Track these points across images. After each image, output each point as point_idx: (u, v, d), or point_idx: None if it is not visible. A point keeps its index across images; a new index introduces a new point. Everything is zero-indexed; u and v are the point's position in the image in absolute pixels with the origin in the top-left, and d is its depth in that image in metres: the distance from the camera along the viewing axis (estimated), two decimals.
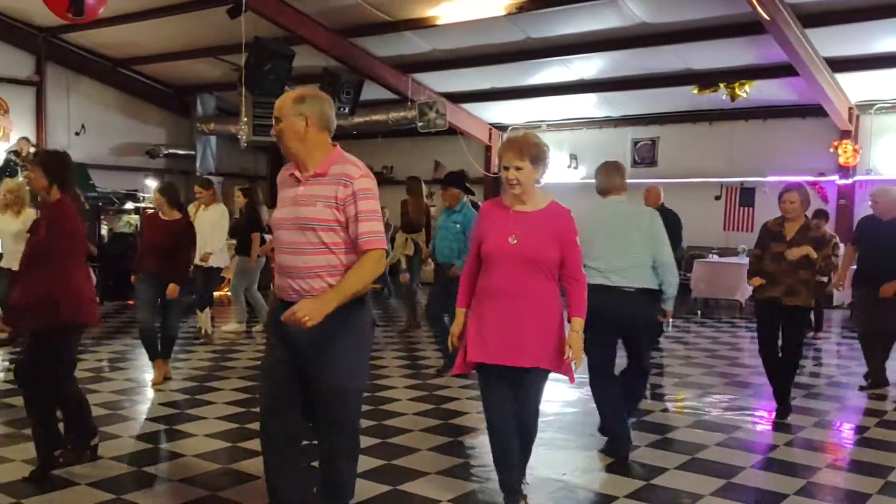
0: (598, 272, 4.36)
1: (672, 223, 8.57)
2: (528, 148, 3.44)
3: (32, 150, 12.30)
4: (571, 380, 3.63)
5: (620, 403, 4.63)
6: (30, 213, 7.50)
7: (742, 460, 4.54)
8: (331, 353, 2.94)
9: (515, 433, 3.57)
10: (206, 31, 12.71)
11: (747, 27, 10.06)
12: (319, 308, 2.78)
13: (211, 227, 8.07)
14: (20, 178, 11.17)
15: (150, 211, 6.70)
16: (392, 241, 9.98)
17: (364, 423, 4.97)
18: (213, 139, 16.12)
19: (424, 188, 9.66)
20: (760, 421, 5.54)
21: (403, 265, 9.53)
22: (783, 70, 10.87)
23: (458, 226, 6.69)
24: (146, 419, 5.35)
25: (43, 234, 4.11)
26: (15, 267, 7.24)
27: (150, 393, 6.06)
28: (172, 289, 6.15)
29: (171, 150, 15.85)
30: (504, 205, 3.56)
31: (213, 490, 3.93)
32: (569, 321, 3.53)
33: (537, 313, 3.45)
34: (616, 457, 4.51)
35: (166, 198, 6.34)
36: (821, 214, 9.28)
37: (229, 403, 5.67)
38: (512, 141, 3.50)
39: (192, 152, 15.89)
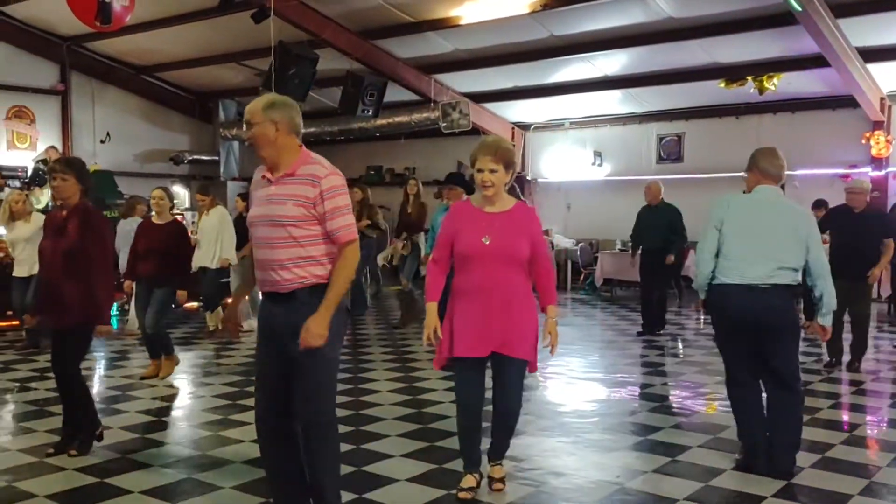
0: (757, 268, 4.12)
1: (675, 219, 8.82)
2: (502, 153, 3.71)
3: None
4: (533, 368, 3.87)
5: (758, 413, 4.30)
6: (38, 217, 7.64)
7: (800, 460, 4.44)
8: (301, 335, 3.11)
9: (479, 413, 3.84)
10: (228, 36, 12.76)
11: (776, 19, 9.94)
12: (318, 324, 3.06)
13: (214, 231, 8.37)
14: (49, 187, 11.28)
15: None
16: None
17: (342, 412, 5.15)
18: (235, 144, 16.17)
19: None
20: (812, 420, 5.43)
21: (395, 262, 9.76)
22: (813, 61, 10.73)
23: None
24: (136, 412, 5.51)
25: (74, 236, 4.30)
26: (25, 274, 7.63)
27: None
28: (181, 295, 6.50)
29: (194, 156, 15.92)
30: (473, 206, 3.81)
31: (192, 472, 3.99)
32: (543, 310, 3.80)
33: (515, 306, 3.71)
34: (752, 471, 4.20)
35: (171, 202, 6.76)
36: (820, 205, 9.83)
37: (218, 396, 5.92)
38: (488, 145, 3.74)
39: (216, 157, 15.96)
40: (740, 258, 4.15)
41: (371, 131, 14.39)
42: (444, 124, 13.18)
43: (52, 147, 12.56)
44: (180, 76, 15.37)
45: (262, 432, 3.29)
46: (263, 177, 3.24)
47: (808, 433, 4.66)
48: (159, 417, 5.49)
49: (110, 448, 4.69)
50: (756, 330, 4.15)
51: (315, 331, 3.06)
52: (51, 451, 4.46)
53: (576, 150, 14.77)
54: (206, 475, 4.26)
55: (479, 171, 3.70)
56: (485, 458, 4.00)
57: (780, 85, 11.55)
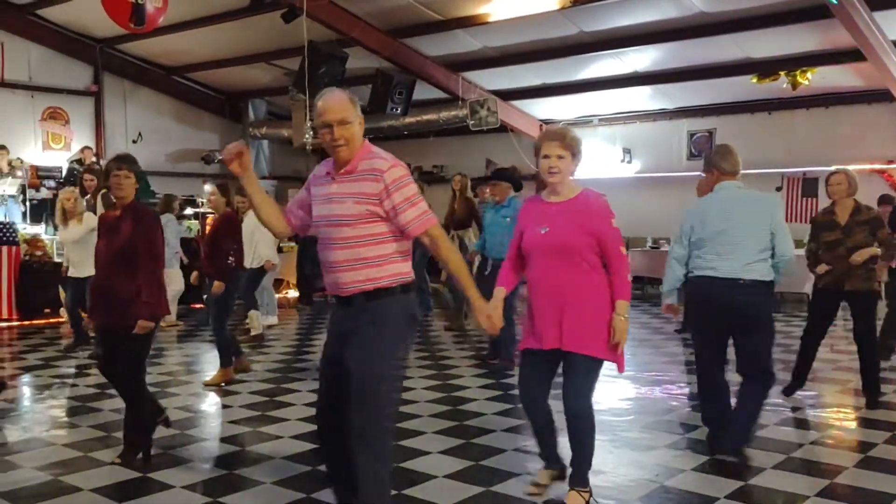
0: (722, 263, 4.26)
1: None
2: (570, 140, 3.62)
3: (94, 158, 12.59)
4: (620, 368, 3.68)
5: (721, 398, 4.51)
6: (90, 218, 7.57)
7: (842, 459, 4.39)
8: (355, 343, 2.99)
9: (545, 411, 3.74)
10: (257, 36, 12.85)
11: (810, 12, 9.80)
12: (481, 311, 3.13)
13: (249, 231, 8.05)
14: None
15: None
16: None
17: None
18: (265, 143, 16.30)
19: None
20: (851, 418, 5.37)
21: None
22: (848, 55, 10.56)
23: (507, 220, 6.66)
24: (175, 408, 5.45)
25: (126, 235, 4.27)
26: (81, 275, 7.45)
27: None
28: (216, 286, 6.22)
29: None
30: (541, 199, 3.74)
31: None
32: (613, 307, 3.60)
33: (578, 300, 3.55)
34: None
35: (225, 196, 6.56)
36: (886, 200, 9.13)
37: (254, 393, 5.72)
38: (555, 132, 3.67)
39: None
40: (716, 254, 4.28)
41: (400, 129, 14.43)
42: (473, 122, 13.17)
43: (87, 147, 12.73)
44: (210, 76, 15.51)
45: (319, 427, 3.22)
46: (327, 173, 3.09)
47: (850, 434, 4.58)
48: (197, 414, 5.55)
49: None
50: (730, 322, 4.29)
51: (480, 317, 3.11)
52: (117, 459, 4.36)
53: (605, 147, 14.69)
54: (246, 471, 4.30)
55: (546, 157, 3.59)
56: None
57: (813, 79, 11.39)
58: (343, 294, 3.04)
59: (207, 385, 6.29)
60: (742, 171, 12.85)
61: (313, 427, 4.89)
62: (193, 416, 5.48)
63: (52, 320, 9.38)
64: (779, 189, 12.78)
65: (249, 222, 8.25)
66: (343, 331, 3.04)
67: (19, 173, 11.71)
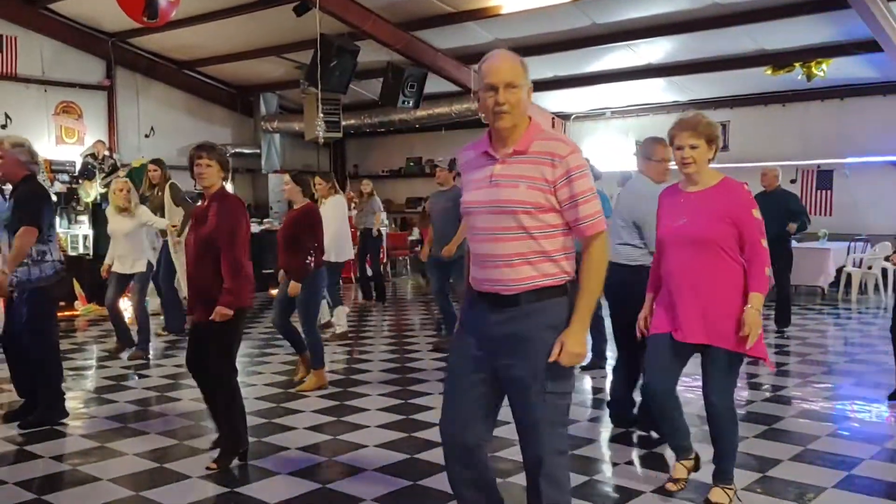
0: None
1: (794, 203, 8.74)
2: (703, 127, 3.49)
3: (107, 152, 12.63)
4: (768, 364, 3.71)
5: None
6: (142, 211, 7.40)
7: (860, 451, 4.36)
8: (529, 352, 2.60)
9: (676, 400, 3.72)
10: (268, 30, 12.84)
11: (825, 3, 9.69)
12: (575, 341, 2.57)
13: (326, 221, 7.58)
14: (98, 180, 11.49)
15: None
16: None
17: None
18: (276, 137, 16.31)
19: None
20: (869, 411, 5.33)
21: None
22: (863, 46, 10.45)
23: None
24: (190, 399, 5.27)
25: (212, 223, 4.17)
26: (126, 270, 7.22)
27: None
28: (292, 287, 5.85)
29: (237, 149, 16.06)
30: (678, 189, 3.63)
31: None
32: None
33: (718, 294, 3.43)
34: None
35: (300, 186, 6.08)
36: None
37: (269, 385, 5.70)
38: (686, 121, 3.54)
39: (257, 150, 16.11)
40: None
41: (411, 123, 14.41)
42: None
43: (100, 141, 12.74)
44: (222, 70, 15.52)
45: (446, 446, 2.78)
46: (484, 153, 2.70)
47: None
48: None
49: (166, 434, 4.80)
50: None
51: (572, 349, 2.55)
52: (212, 465, 4.20)
53: (618, 139, 14.61)
54: (261, 461, 4.31)
55: (679, 148, 3.49)
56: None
57: (828, 71, 11.27)
58: (505, 292, 2.63)
59: (302, 391, 5.88)
60: (755, 164, 12.76)
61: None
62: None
63: (66, 313, 9.41)
64: (793, 182, 12.69)
65: (327, 212, 7.46)
66: (499, 336, 2.64)
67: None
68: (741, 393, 5.56)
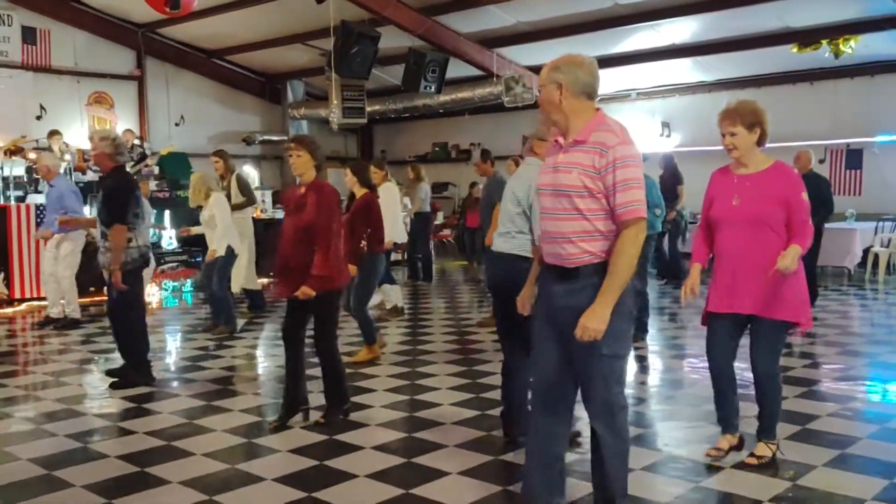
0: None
1: (825, 188, 8.52)
2: (740, 114, 3.69)
3: (137, 141, 12.92)
4: (805, 325, 3.81)
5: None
6: (218, 198, 7.49)
7: (857, 430, 4.35)
8: (589, 310, 2.85)
9: (731, 376, 3.88)
10: (293, 18, 12.98)
11: None
12: (595, 318, 2.80)
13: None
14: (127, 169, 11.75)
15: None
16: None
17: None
18: (304, 123, 16.49)
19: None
20: (876, 391, 5.29)
21: None
22: (891, 22, 10.22)
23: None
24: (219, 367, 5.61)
25: (311, 211, 4.49)
26: (208, 257, 7.50)
27: None
28: (350, 270, 5.98)
29: (265, 137, 16.31)
30: (729, 171, 3.84)
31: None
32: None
33: (761, 267, 3.65)
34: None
35: (357, 176, 6.50)
36: None
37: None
38: (726, 110, 3.76)
39: (285, 137, 16.28)
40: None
41: (435, 108, 14.46)
42: (508, 99, 13.12)
43: (129, 130, 13.03)
44: (249, 59, 15.73)
45: (533, 405, 3.19)
46: (556, 141, 3.05)
47: None
48: (224, 386, 5.71)
49: (178, 414, 4.97)
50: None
51: (591, 325, 2.80)
52: (320, 419, 4.66)
53: (644, 120, 14.48)
54: (263, 440, 4.46)
55: (722, 136, 3.75)
56: None
57: (857, 48, 11.05)
58: (567, 265, 2.94)
59: (354, 362, 6.19)
60: (783, 144, 12.57)
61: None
62: (221, 388, 5.66)
63: (96, 298, 9.69)
64: (822, 161, 12.47)
65: (381, 199, 7.49)
66: (561, 307, 2.95)
67: (67, 157, 12.07)
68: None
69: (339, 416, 4.72)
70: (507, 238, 4.14)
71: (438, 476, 3.84)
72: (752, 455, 3.90)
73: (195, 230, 7.89)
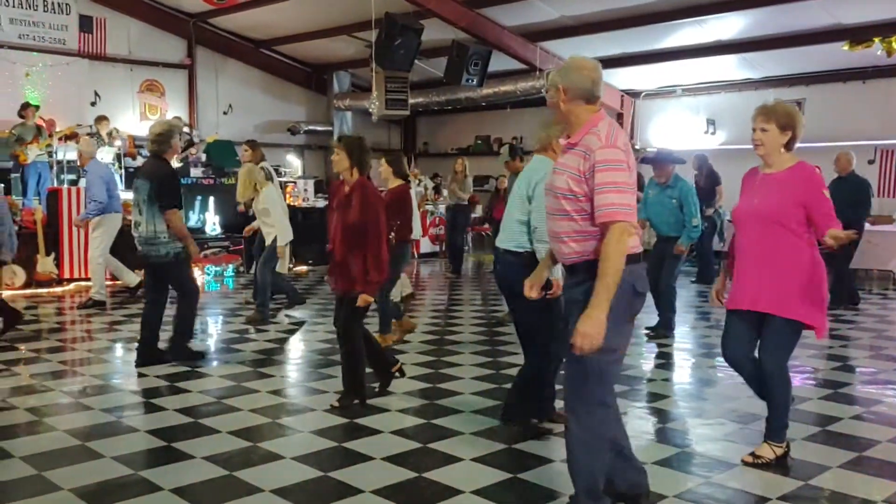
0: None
1: (864, 191, 8.59)
2: (776, 113, 3.74)
3: (186, 129, 13.25)
4: (819, 333, 3.81)
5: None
6: (269, 189, 7.67)
7: (878, 434, 4.30)
8: (580, 315, 2.89)
9: (747, 368, 3.91)
10: (339, 9, 13.14)
11: None
12: (588, 323, 2.80)
13: None
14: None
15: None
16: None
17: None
18: (348, 115, 16.68)
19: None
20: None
21: None
22: None
23: (674, 201, 6.81)
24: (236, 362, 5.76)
25: (357, 211, 4.68)
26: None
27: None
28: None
29: (310, 127, 16.54)
30: (756, 171, 3.90)
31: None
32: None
33: (780, 267, 3.70)
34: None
35: (392, 167, 6.69)
36: None
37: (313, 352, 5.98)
38: (763, 105, 3.81)
39: (330, 128, 16.52)
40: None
41: (477, 101, 14.49)
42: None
43: (177, 117, 13.38)
44: (296, 49, 15.96)
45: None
46: (564, 143, 3.17)
47: None
48: (255, 368, 5.89)
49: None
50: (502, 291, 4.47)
51: (587, 329, 2.80)
52: (335, 403, 4.84)
53: (688, 117, 14.32)
54: (287, 420, 4.60)
55: (753, 130, 3.79)
56: None
57: None
58: (566, 262, 3.10)
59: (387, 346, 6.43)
60: (832, 143, 12.38)
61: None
62: (250, 370, 5.84)
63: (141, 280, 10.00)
64: (871, 162, 12.19)
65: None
66: (569, 297, 3.10)
67: (118, 142, 12.45)
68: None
69: (354, 402, 4.83)
70: (504, 234, 4.27)
71: (452, 462, 3.92)
72: (751, 454, 3.88)
73: (255, 225, 8.05)
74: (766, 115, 3.74)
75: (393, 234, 6.44)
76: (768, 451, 3.87)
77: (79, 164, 9.04)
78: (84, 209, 8.84)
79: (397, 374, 5.23)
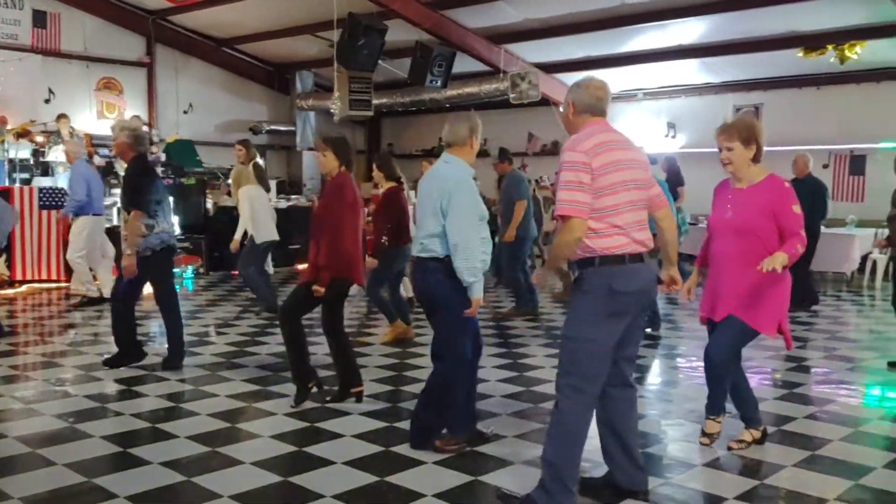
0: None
1: (822, 193, 8.79)
2: (737, 129, 3.88)
3: (145, 128, 13.03)
4: (787, 344, 4.08)
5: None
6: (244, 190, 7.85)
7: (831, 433, 4.39)
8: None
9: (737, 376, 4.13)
10: (302, 8, 13.03)
11: None
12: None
13: None
14: None
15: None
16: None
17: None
18: (311, 115, 16.55)
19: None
20: (855, 395, 5.33)
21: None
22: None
23: None
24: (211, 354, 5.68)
25: (322, 206, 4.84)
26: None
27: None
28: (368, 262, 6.49)
29: (272, 127, 16.37)
30: (728, 185, 4.04)
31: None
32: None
33: (741, 272, 3.83)
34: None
35: (382, 171, 6.79)
36: None
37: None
38: (724, 125, 3.96)
39: (293, 128, 16.37)
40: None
41: (442, 102, 14.47)
42: (514, 95, 13.12)
43: (136, 116, 13.12)
44: (259, 48, 15.79)
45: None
46: None
47: None
48: (214, 372, 5.81)
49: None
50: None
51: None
52: (328, 398, 4.91)
53: (649, 120, 14.49)
54: (246, 424, 4.55)
55: (719, 150, 3.92)
56: None
57: (864, 54, 11.02)
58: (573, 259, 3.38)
59: (384, 343, 6.69)
60: (788, 147, 12.61)
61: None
62: (224, 362, 5.76)
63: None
64: (825, 167, 12.45)
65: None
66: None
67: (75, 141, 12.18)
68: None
69: (350, 396, 4.90)
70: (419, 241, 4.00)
71: (414, 465, 3.91)
72: (703, 434, 4.20)
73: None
74: (728, 134, 3.87)
75: (385, 238, 6.51)
76: (714, 426, 4.16)
77: (67, 161, 9.15)
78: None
79: (314, 389, 4.94)
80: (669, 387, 5.60)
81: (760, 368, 5.98)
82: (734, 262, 3.88)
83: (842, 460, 4.00)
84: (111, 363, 5.81)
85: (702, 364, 4.15)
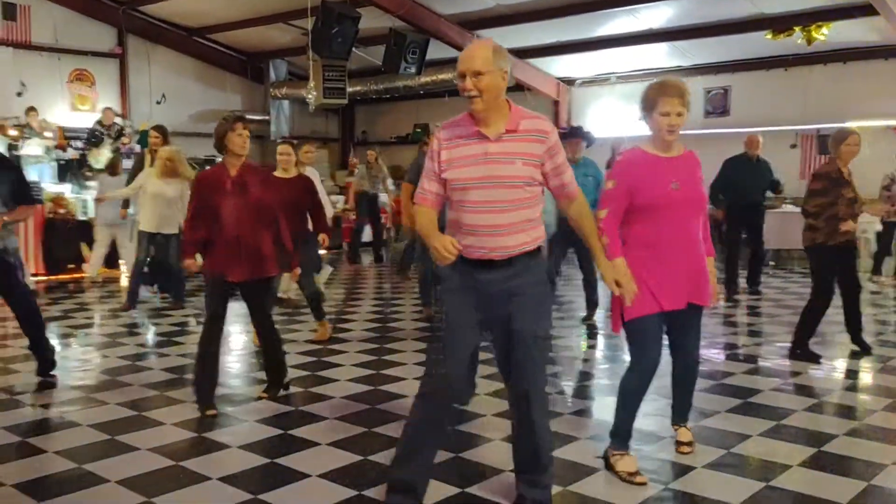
0: None
1: (767, 172, 9.17)
2: (687, 95, 3.43)
3: (117, 119, 12.97)
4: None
5: None
6: (189, 179, 7.46)
7: (795, 403, 4.59)
8: (525, 305, 2.99)
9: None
10: None
11: None
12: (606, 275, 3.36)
13: None
14: (106, 147, 11.83)
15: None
16: None
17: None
18: (285, 104, 16.53)
19: None
20: (821, 367, 5.53)
21: None
22: (862, 10, 10.39)
23: (590, 179, 6.76)
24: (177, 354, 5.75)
25: (262, 194, 4.71)
26: (164, 231, 7.70)
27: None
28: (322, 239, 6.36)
29: (247, 116, 16.29)
30: (649, 154, 3.47)
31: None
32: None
33: (700, 254, 3.52)
34: None
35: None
36: None
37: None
38: (673, 86, 3.43)
39: (267, 117, 16.34)
40: None
41: (416, 89, 14.55)
42: None
43: (108, 108, 13.02)
44: (231, 37, 15.71)
45: (448, 397, 3.16)
46: (476, 131, 2.97)
47: None
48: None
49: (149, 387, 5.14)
50: None
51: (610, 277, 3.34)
52: (263, 395, 4.89)
53: (623, 104, 14.65)
54: (231, 409, 4.66)
55: (665, 114, 3.37)
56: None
57: (830, 35, 11.23)
58: (501, 257, 2.97)
59: (315, 342, 6.40)
60: (756, 129, 12.83)
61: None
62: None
63: (75, 275, 9.82)
64: (793, 146, 12.72)
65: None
66: (498, 292, 2.98)
67: (48, 134, 12.12)
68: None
69: (282, 390, 4.93)
70: None
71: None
72: (683, 444, 3.88)
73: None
74: (684, 99, 3.39)
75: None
76: (686, 434, 3.89)
77: None
78: None
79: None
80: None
81: (727, 343, 6.18)
82: (690, 242, 3.46)
83: (805, 428, 4.19)
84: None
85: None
